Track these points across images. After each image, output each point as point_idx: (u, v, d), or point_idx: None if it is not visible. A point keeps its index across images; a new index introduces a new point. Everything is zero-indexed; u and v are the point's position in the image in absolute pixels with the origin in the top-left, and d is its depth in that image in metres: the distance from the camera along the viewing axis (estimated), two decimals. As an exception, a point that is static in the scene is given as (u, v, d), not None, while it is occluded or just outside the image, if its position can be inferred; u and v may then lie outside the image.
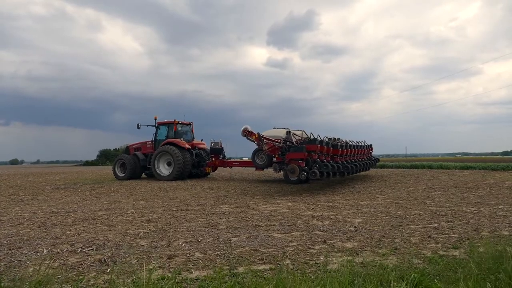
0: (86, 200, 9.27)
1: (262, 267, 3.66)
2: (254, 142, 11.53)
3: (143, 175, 16.99)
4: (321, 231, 5.27)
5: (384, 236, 4.93)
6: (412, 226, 5.58)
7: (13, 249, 4.44)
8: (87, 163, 67.79)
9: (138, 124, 15.80)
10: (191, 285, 3.17)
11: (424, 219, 6.17)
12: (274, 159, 11.48)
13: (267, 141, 10.95)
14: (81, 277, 3.39)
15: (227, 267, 3.64)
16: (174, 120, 15.92)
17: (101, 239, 4.92)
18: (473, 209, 7.15)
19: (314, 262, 3.79)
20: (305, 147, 9.93)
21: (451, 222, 5.87)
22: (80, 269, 3.65)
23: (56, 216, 6.88)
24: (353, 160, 12.55)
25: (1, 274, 3.53)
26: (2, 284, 3.17)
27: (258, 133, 11.07)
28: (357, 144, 13.70)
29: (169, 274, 3.42)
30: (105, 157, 69.65)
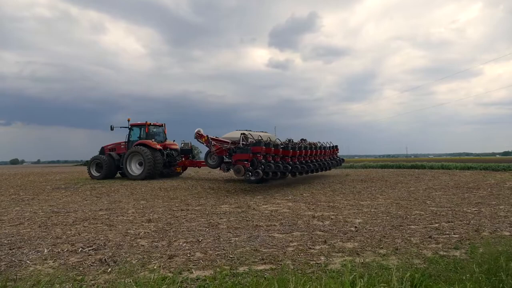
0: (86, 200, 9.27)
1: (262, 267, 3.66)
2: (203, 144, 12.42)
3: (118, 175, 17.37)
4: (322, 231, 5.27)
5: (384, 236, 4.92)
6: (412, 227, 5.57)
7: (13, 248, 4.45)
8: (88, 163, 67.64)
9: (111, 126, 16.41)
10: (192, 285, 3.18)
11: (424, 219, 6.17)
12: (226, 160, 12.06)
13: (215, 143, 11.77)
14: (81, 277, 3.39)
15: (228, 267, 3.64)
16: (146, 122, 16.61)
17: (102, 239, 4.92)
18: (474, 209, 7.14)
19: (314, 262, 3.79)
20: (250, 149, 10.45)
21: (452, 222, 5.86)
22: (81, 269, 3.65)
23: (57, 216, 6.88)
24: (308, 161, 13.09)
25: (1, 273, 3.53)
26: (3, 283, 3.18)
27: (207, 136, 11.91)
28: (318, 145, 14.31)
29: (170, 274, 3.42)
30: (106, 157, 69.37)
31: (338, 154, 17.15)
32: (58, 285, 3.15)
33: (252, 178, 12.10)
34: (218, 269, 3.55)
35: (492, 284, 2.87)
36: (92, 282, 3.27)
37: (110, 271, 3.54)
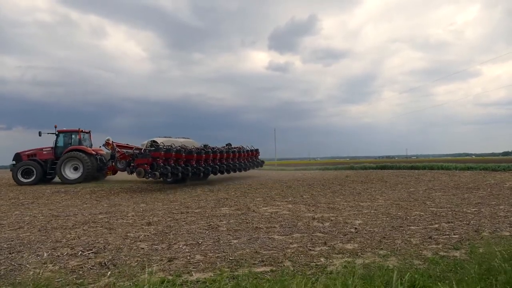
0: (86, 203, 9.26)
1: (262, 269, 3.65)
2: (110, 150, 14.12)
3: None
4: (322, 233, 5.27)
5: (384, 237, 4.92)
6: (412, 227, 5.57)
7: (13, 252, 4.44)
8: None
9: (39, 132, 17.00)
10: (192, 288, 3.17)
11: (424, 220, 6.17)
12: (132, 164, 13.25)
13: (119, 149, 13.47)
14: (81, 280, 3.39)
15: (228, 269, 3.64)
16: (79, 128, 17.54)
17: (102, 242, 4.91)
18: (474, 209, 7.14)
19: (314, 263, 3.79)
20: (150, 154, 12.03)
21: (452, 223, 5.86)
22: (81, 272, 3.65)
23: (57, 219, 6.88)
24: (218, 163, 14.92)
25: (1, 277, 3.53)
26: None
27: (113, 143, 13.62)
28: (232, 149, 16.45)
29: (170, 277, 3.42)
30: (105, 160, 69.22)
31: (260, 156, 19.85)
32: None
33: (168, 179, 14.35)
34: (218, 272, 3.54)
35: (492, 284, 2.87)
36: (92, 285, 3.27)
37: (110, 275, 3.54)
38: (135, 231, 5.60)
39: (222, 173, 15.16)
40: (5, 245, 4.82)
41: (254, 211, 7.49)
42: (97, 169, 16.95)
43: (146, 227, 5.95)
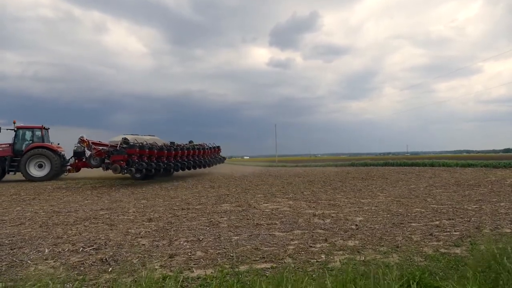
0: (87, 200, 9.28)
1: (263, 265, 3.66)
2: (85, 147, 14.46)
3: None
4: (323, 230, 5.27)
5: (385, 234, 4.92)
6: (413, 224, 5.57)
7: (14, 248, 4.45)
8: None
9: None
10: (193, 284, 3.18)
11: (425, 217, 6.16)
12: (107, 160, 13.56)
13: (94, 146, 13.81)
14: (82, 276, 3.40)
15: (229, 265, 3.64)
16: (42, 125, 17.23)
17: (103, 238, 4.92)
18: (475, 206, 7.14)
19: (315, 260, 3.80)
20: (125, 151, 12.47)
21: (453, 219, 5.86)
22: (82, 268, 3.65)
23: (58, 215, 6.89)
24: (185, 160, 15.58)
25: (3, 273, 3.54)
26: (5, 284, 3.18)
27: (88, 141, 13.90)
28: (196, 146, 17.13)
29: (171, 273, 3.42)
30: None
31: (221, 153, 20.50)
32: (59, 285, 3.16)
33: (137, 175, 14.57)
34: (219, 268, 3.55)
35: (492, 281, 2.87)
36: (93, 281, 3.28)
37: (111, 271, 3.55)
38: (136, 228, 5.61)
39: (189, 169, 15.80)
40: (6, 241, 4.83)
41: (255, 207, 7.50)
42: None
43: (147, 223, 5.96)
